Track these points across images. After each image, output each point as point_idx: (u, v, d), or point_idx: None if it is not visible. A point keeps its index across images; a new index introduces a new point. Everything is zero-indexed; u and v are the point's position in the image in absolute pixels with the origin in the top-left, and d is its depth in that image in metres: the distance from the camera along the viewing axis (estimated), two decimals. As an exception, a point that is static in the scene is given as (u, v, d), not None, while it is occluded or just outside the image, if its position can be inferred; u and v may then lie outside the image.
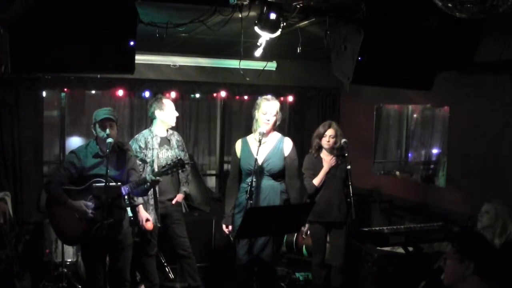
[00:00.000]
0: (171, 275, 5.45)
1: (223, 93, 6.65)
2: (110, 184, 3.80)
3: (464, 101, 5.14)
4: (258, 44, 3.87)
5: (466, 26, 3.91)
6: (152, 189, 4.42)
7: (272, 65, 6.49)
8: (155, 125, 4.84)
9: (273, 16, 3.52)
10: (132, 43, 3.47)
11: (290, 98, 6.93)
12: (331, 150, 4.81)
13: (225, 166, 7.33)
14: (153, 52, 5.92)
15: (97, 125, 3.97)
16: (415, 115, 6.42)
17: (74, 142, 6.61)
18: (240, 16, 3.54)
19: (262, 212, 3.88)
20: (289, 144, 4.33)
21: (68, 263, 5.36)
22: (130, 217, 4.54)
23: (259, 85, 6.39)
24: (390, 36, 3.91)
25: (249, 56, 4.14)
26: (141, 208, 4.61)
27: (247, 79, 4.77)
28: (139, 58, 4.62)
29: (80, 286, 5.13)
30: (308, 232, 5.18)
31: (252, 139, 4.34)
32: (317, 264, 4.90)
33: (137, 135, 4.88)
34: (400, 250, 4.69)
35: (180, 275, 5.19)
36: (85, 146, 4.09)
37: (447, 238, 4.36)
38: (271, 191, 4.22)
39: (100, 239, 3.82)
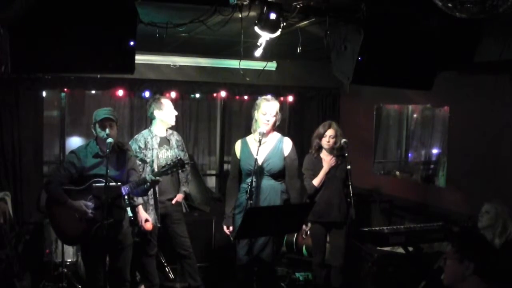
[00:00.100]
0: (171, 275, 5.45)
1: (223, 93, 6.65)
2: (110, 184, 3.80)
3: (464, 101, 5.14)
4: (258, 44, 3.87)
5: (466, 26, 3.91)
6: (152, 189, 4.43)
7: (272, 65, 6.49)
8: (154, 125, 4.84)
9: (273, 16, 3.52)
10: (132, 43, 3.47)
11: (290, 98, 6.93)
12: (331, 150, 4.81)
13: (225, 166, 7.33)
14: (153, 52, 5.92)
15: (97, 125, 3.97)
16: (415, 115, 6.42)
17: (74, 142, 6.60)
18: (240, 16, 3.54)
19: (262, 212, 3.88)
20: (289, 144, 4.33)
21: (68, 263, 5.36)
22: (130, 217, 4.54)
23: (259, 85, 6.39)
24: (390, 36, 3.90)
25: (249, 56, 4.14)
26: (140, 209, 4.61)
27: (247, 79, 4.77)
28: (139, 58, 4.62)
29: (80, 286, 5.13)
30: (308, 232, 5.18)
31: (251, 139, 4.34)
32: (317, 264, 4.90)
33: (136, 135, 4.88)
34: (400, 250, 4.69)
35: (180, 275, 5.20)
36: (85, 146, 4.09)
37: (447, 238, 4.36)
38: (271, 191, 4.22)
39: (100, 239, 3.82)
